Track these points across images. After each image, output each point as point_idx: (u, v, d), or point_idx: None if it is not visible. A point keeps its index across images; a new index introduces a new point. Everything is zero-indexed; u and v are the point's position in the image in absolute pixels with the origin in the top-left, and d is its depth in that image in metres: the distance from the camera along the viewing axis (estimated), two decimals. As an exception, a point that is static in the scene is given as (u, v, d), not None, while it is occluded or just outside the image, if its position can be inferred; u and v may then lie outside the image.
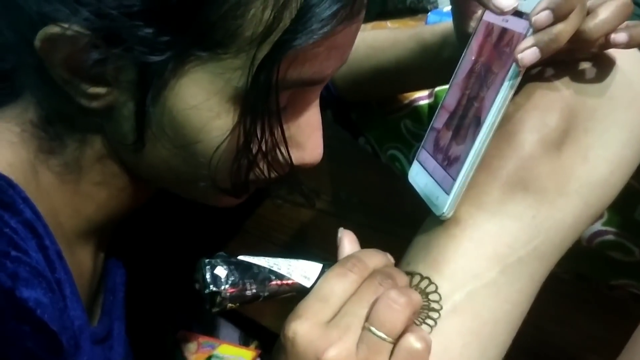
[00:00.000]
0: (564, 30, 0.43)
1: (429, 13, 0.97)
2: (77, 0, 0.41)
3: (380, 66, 0.70)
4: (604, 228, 0.62)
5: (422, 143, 0.53)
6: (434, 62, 0.64)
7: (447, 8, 0.98)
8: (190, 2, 0.41)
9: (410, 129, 0.78)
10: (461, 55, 0.52)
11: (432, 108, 0.76)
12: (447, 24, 0.62)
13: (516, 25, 0.46)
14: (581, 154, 0.46)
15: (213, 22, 0.42)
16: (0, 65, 0.49)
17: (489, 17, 0.50)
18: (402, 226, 0.59)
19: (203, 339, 0.89)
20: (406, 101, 0.78)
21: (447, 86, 0.53)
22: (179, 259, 0.61)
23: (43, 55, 0.43)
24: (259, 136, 0.46)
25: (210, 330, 0.97)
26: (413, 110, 0.78)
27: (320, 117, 0.51)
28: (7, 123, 0.49)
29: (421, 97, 0.77)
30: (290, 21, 0.42)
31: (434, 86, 0.74)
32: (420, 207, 0.49)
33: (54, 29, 0.42)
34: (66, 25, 0.41)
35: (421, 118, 0.77)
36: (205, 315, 0.95)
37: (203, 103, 0.45)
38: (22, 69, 0.49)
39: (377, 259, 0.45)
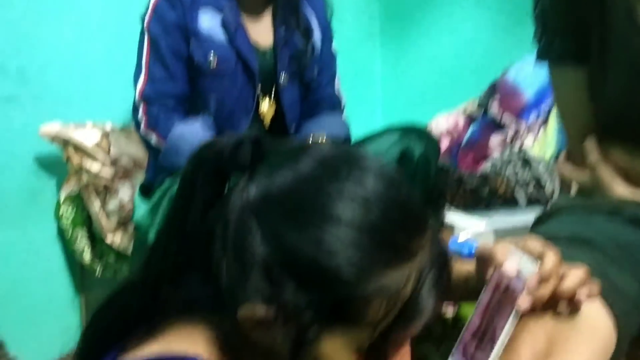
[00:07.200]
0: (546, 292, 0.71)
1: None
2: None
3: None
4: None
5: (454, 349, 0.78)
6: (457, 291, 0.90)
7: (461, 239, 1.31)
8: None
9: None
10: (481, 290, 0.79)
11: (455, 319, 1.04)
12: (470, 268, 0.88)
13: (517, 283, 0.74)
14: None
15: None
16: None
17: (499, 274, 0.78)
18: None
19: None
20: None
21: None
22: None
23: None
24: None
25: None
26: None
27: None
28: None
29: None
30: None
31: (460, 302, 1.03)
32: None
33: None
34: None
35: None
36: None
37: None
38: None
39: None
